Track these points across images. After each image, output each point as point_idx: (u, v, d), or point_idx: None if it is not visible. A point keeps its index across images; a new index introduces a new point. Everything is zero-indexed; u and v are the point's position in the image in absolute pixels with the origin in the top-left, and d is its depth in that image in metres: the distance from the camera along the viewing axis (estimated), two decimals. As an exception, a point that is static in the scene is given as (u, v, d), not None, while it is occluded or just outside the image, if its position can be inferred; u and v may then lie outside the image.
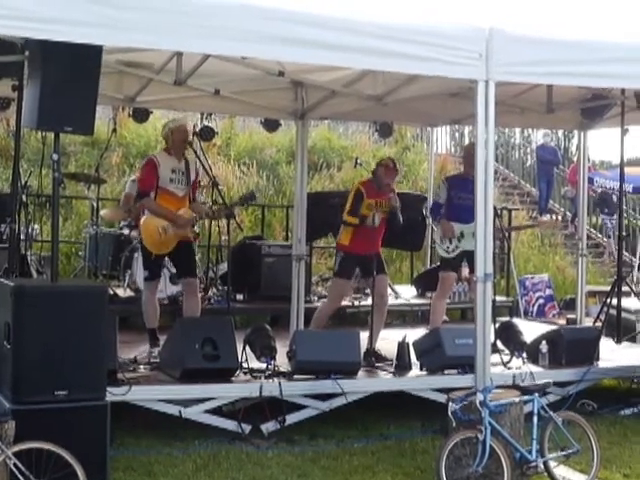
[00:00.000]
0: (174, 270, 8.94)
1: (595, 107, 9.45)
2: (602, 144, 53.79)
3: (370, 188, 8.43)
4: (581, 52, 6.48)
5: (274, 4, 5.66)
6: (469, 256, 8.35)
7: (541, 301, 13.17)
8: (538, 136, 21.61)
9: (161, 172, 7.87)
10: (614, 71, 6.61)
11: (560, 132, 25.20)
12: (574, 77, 6.68)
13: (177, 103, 9.33)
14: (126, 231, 10.57)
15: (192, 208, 8.05)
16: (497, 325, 8.30)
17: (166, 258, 8.28)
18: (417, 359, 7.76)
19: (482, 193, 6.22)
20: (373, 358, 7.91)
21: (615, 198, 17.70)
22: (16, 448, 5.05)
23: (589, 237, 16.66)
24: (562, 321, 11.60)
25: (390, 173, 8.47)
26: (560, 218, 12.37)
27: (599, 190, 17.60)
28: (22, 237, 8.82)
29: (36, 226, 10.58)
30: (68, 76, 5.57)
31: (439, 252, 8.80)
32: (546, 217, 16.55)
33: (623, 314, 9.64)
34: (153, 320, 8.11)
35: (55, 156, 5.76)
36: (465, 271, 8.57)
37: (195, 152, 8.19)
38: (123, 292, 10.30)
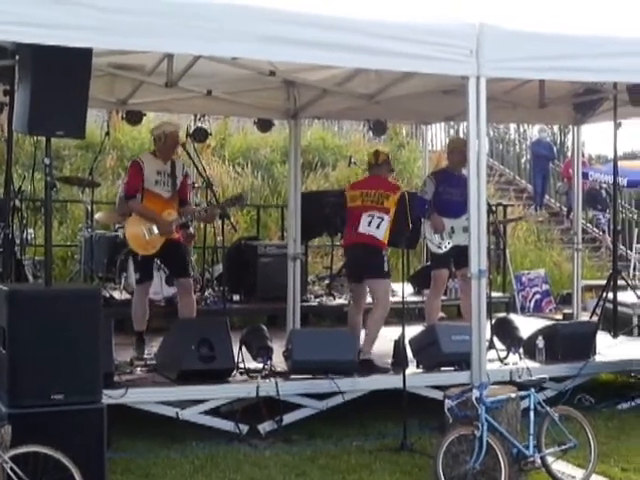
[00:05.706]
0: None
1: (587, 101, 9.47)
2: (598, 138, 53.81)
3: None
4: (572, 47, 6.49)
5: (263, 4, 5.67)
6: (460, 251, 8.33)
7: (538, 296, 13.15)
8: (534, 132, 21.61)
9: (146, 174, 7.85)
10: (606, 65, 6.62)
11: (556, 127, 25.22)
12: (565, 72, 6.70)
13: (170, 105, 9.34)
14: (121, 234, 10.55)
15: (182, 211, 8.02)
16: (493, 321, 8.30)
17: (157, 260, 8.27)
18: (413, 356, 7.74)
19: (475, 189, 6.22)
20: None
21: (604, 193, 17.76)
22: (13, 452, 5.04)
23: (585, 231, 16.70)
24: (559, 316, 11.59)
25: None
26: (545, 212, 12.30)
27: (587, 187, 17.62)
28: (17, 242, 8.82)
29: (31, 230, 10.58)
30: (58, 80, 5.55)
31: (430, 248, 8.75)
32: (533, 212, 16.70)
33: (619, 308, 9.66)
34: (142, 323, 8.09)
35: (47, 160, 5.75)
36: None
37: (188, 153, 8.18)
38: (119, 295, 10.29)
